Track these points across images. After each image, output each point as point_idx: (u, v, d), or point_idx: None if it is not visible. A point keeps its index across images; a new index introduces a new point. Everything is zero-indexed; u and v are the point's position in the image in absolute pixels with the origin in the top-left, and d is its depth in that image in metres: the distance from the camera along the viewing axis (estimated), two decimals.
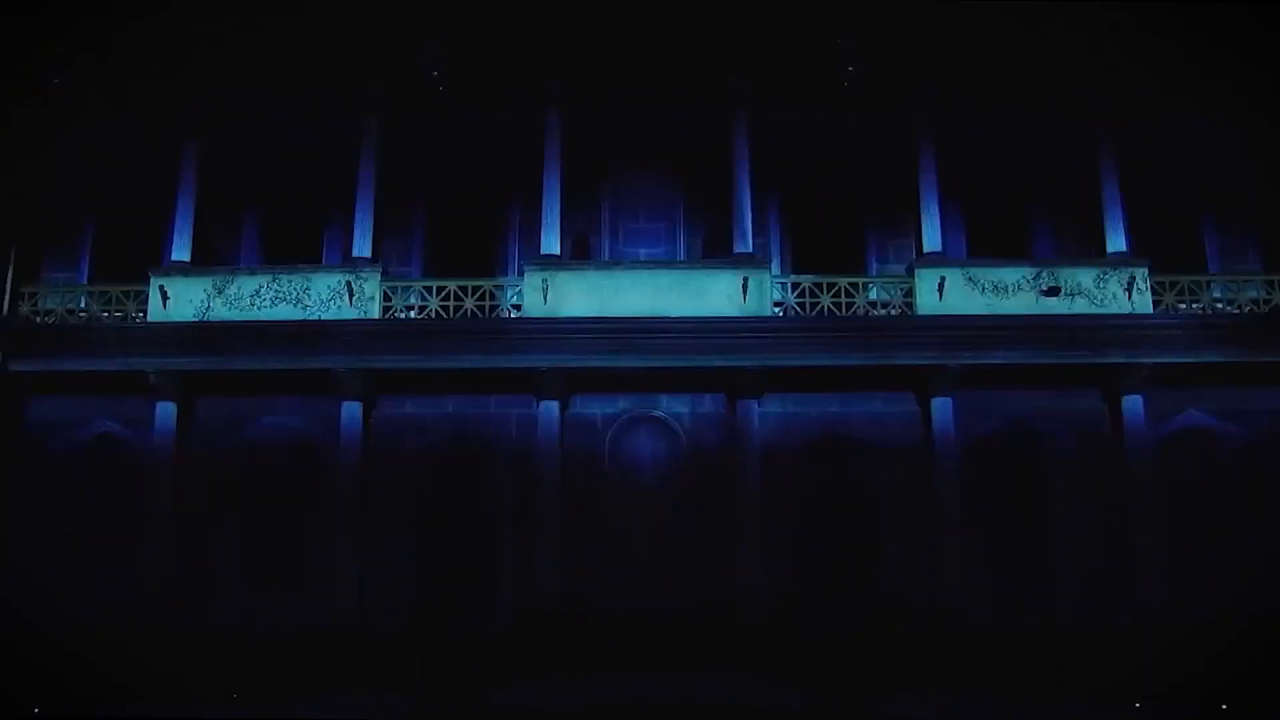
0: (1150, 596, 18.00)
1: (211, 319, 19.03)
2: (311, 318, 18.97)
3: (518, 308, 19.22)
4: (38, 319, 19.37)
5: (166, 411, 18.93)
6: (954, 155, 19.65)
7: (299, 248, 20.14)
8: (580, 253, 20.29)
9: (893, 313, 19.13)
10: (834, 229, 20.18)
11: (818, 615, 18.20)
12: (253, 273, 19.49)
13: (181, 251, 19.43)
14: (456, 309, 19.17)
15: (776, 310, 19.11)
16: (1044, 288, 18.98)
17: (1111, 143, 19.44)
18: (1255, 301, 19.10)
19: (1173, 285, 19.05)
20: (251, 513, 19.13)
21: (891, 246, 20.30)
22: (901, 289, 19.23)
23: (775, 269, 19.65)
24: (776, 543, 18.58)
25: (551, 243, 19.34)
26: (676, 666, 17.18)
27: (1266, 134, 19.56)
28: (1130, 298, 18.86)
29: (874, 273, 20.02)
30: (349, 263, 19.38)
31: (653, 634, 17.63)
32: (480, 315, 19.15)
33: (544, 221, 19.42)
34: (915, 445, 19.01)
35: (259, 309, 19.10)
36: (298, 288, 19.20)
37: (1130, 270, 18.96)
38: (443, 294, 19.26)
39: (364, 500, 18.68)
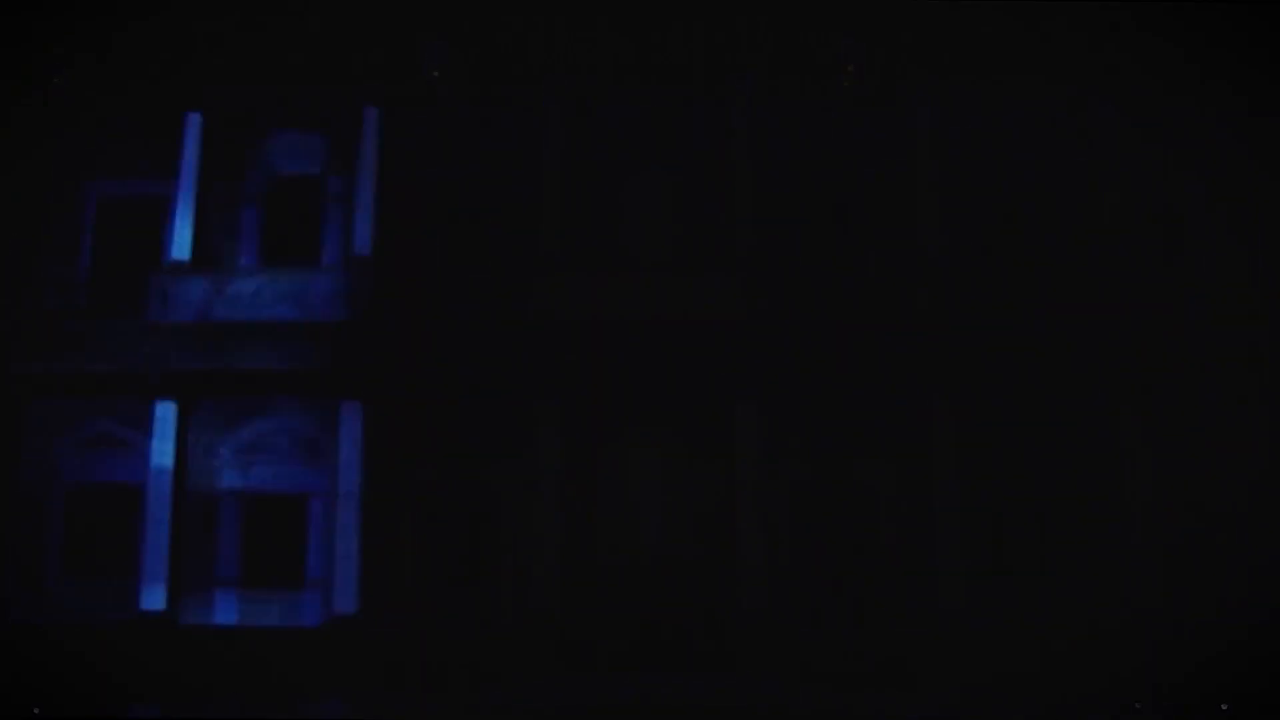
0: (1149, 595, 18.05)
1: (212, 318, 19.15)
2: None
3: None
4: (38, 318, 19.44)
5: (166, 411, 19.03)
6: (953, 154, 19.71)
7: (298, 246, 20.17)
8: (579, 252, 20.31)
9: (893, 312, 19.17)
10: (834, 228, 20.20)
11: (818, 615, 18.23)
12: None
13: (181, 251, 19.49)
14: None
15: (773, 309, 19.11)
16: None
17: (1112, 141, 19.53)
18: None
19: None
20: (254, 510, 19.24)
21: (892, 245, 20.32)
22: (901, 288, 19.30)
23: (774, 268, 19.65)
24: (777, 542, 18.63)
25: (552, 242, 19.40)
26: (676, 666, 17.22)
27: (1267, 133, 19.57)
28: None
29: (874, 272, 20.02)
30: None
31: (653, 634, 17.67)
32: None
33: (544, 221, 19.50)
34: (915, 443, 19.04)
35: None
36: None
37: None
38: None
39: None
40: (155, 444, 18.80)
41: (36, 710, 16.11)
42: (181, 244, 19.41)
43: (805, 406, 19.23)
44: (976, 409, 18.99)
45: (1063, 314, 18.80)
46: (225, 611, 18.71)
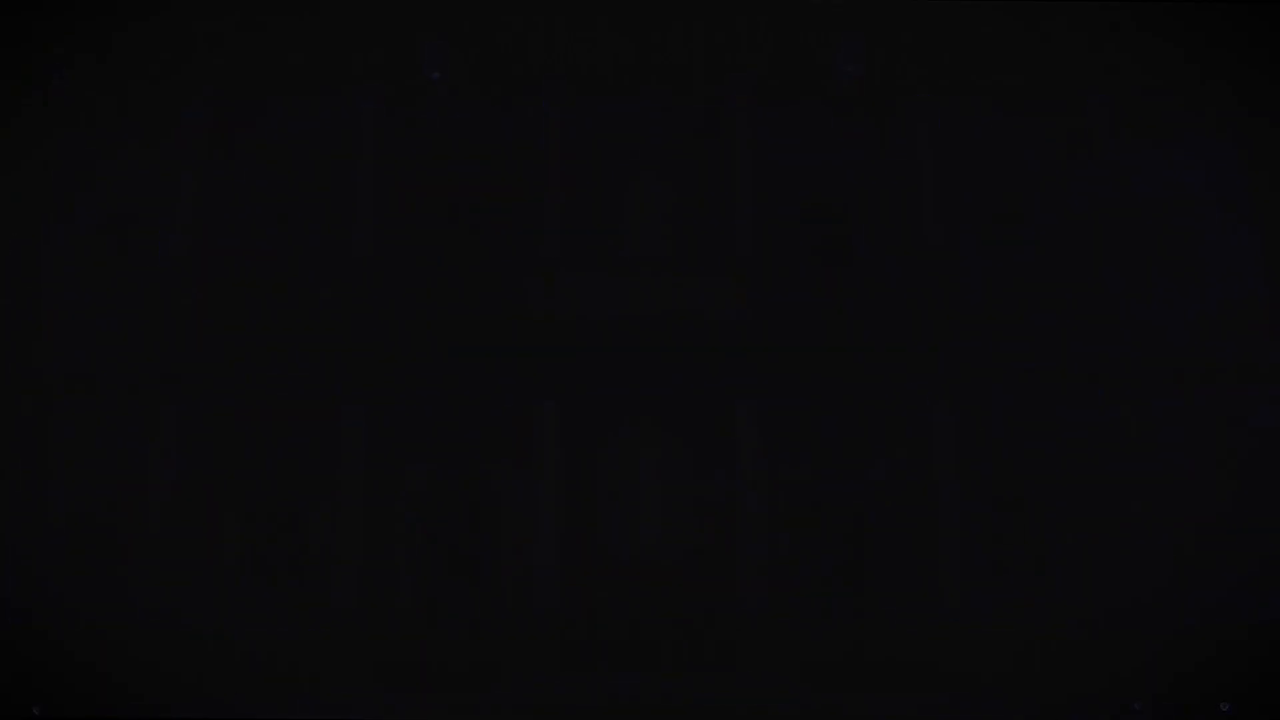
0: (1149, 595, 18.05)
1: None
2: None
3: None
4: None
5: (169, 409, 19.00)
6: (954, 154, 19.69)
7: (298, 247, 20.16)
8: (579, 251, 20.30)
9: (893, 310, 19.18)
10: (834, 228, 20.19)
11: (818, 615, 18.23)
12: None
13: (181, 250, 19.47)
14: None
15: (774, 309, 19.12)
16: None
17: (1112, 140, 19.52)
18: None
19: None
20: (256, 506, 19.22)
21: (893, 245, 20.32)
22: (902, 287, 19.30)
23: (775, 267, 19.66)
24: (777, 542, 18.62)
25: (551, 241, 19.40)
26: (676, 666, 17.22)
27: (1266, 133, 19.58)
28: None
29: (874, 271, 20.03)
30: None
31: (653, 634, 17.67)
32: None
33: (544, 220, 19.49)
34: (915, 442, 19.03)
35: None
36: None
37: None
38: None
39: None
40: None
41: (36, 711, 16.11)
42: None
43: (806, 405, 19.25)
44: (977, 407, 19.02)
45: (1062, 313, 18.83)
46: None
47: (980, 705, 16.64)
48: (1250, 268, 19.75)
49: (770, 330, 18.84)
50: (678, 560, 18.68)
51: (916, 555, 18.48)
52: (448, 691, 17.18)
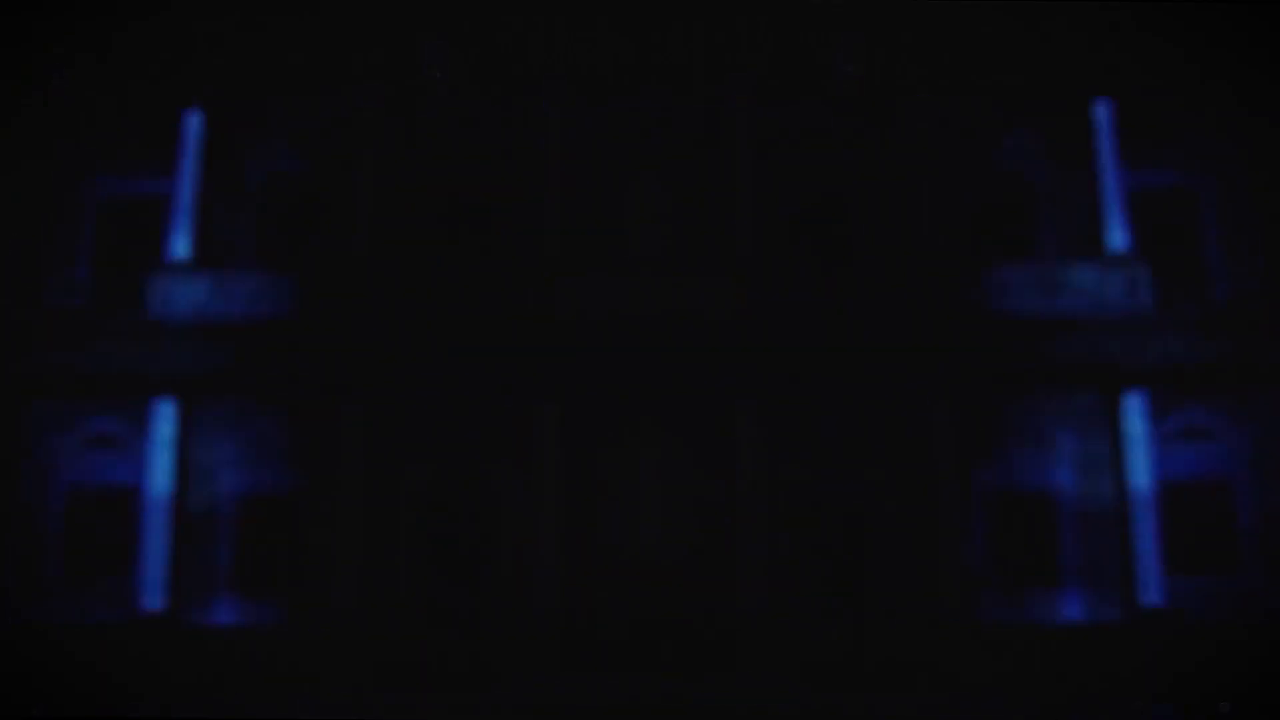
0: (1149, 595, 18.08)
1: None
2: None
3: None
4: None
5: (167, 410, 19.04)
6: (955, 154, 19.73)
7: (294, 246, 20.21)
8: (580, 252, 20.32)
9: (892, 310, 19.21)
10: (834, 228, 20.23)
11: (818, 615, 18.25)
12: None
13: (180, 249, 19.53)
14: None
15: (774, 309, 19.13)
16: None
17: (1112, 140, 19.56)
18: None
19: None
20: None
21: (893, 245, 20.35)
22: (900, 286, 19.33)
23: (774, 268, 19.67)
24: (777, 542, 18.65)
25: (552, 242, 19.43)
26: (676, 666, 17.25)
27: (1266, 132, 19.60)
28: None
29: (874, 271, 20.05)
30: None
31: (653, 634, 17.69)
32: None
33: (544, 221, 19.53)
34: (915, 442, 19.06)
35: None
36: None
37: (1132, 269, 19.08)
38: None
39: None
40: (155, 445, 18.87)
41: (36, 711, 16.13)
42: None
43: (805, 406, 19.26)
44: (977, 407, 19.04)
45: (1061, 312, 18.86)
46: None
47: (980, 705, 16.65)
48: (1250, 268, 19.80)
49: (770, 330, 18.84)
50: (678, 560, 18.70)
51: (916, 555, 18.50)
52: (448, 691, 17.20)
